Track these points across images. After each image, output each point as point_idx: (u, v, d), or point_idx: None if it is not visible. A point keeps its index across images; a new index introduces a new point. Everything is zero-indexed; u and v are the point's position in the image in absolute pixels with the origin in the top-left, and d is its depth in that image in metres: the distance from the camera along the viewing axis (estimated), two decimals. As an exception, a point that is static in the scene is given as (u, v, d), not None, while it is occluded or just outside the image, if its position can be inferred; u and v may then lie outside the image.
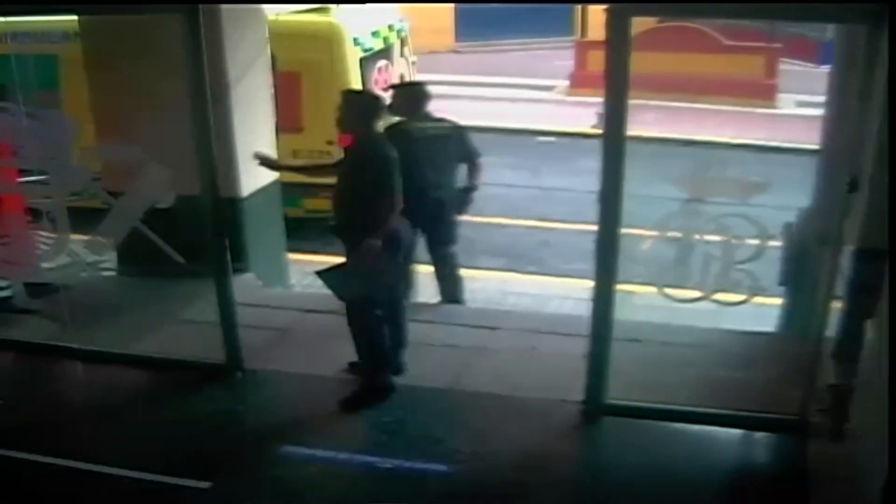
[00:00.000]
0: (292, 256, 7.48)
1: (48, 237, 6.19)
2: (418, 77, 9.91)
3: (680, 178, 5.04)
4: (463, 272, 6.69)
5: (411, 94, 6.20)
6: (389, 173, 4.96)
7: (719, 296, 5.03)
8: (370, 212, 4.91)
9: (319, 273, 5.20)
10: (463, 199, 6.30)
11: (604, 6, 4.44)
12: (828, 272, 4.53)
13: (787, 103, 14.04)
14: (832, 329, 4.44)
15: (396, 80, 9.18)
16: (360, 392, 5.29)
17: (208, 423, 5.17)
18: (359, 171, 5.01)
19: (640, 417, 5.06)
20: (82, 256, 6.32)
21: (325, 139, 8.12)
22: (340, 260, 5.19)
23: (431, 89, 6.28)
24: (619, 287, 4.83)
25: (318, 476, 4.72)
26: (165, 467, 4.71)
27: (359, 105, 5.16)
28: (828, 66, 6.54)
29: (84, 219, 6.16)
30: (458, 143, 6.20)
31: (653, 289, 5.13)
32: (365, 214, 4.92)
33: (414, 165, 5.80)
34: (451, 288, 6.58)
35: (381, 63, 8.92)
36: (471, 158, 6.26)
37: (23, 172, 6.15)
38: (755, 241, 4.95)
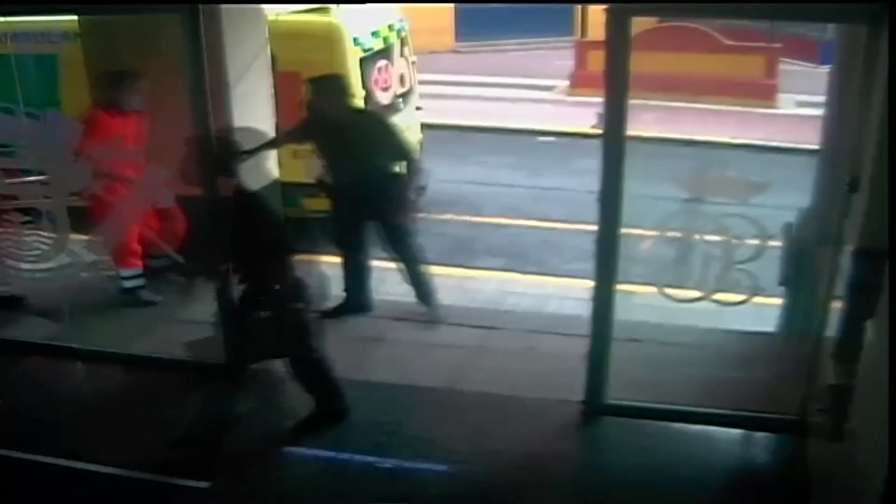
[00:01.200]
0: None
1: (48, 237, 6.20)
2: (418, 77, 9.91)
3: (680, 178, 5.04)
4: (431, 270, 6.52)
5: (327, 88, 6.12)
6: (271, 228, 4.58)
7: (719, 296, 5.03)
8: (261, 270, 4.56)
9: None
10: (402, 194, 6.16)
11: (604, 6, 4.44)
12: (828, 272, 4.52)
13: (787, 103, 14.02)
14: (832, 329, 4.44)
15: (396, 80, 9.19)
16: (314, 418, 5.08)
17: (208, 423, 5.17)
18: (240, 227, 4.56)
19: (640, 417, 5.06)
20: (82, 256, 6.33)
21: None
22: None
23: (347, 82, 6.32)
24: (619, 287, 4.83)
25: (318, 476, 4.72)
26: (166, 467, 4.71)
27: (210, 152, 4.63)
28: (828, 66, 6.53)
29: (84, 219, 6.17)
30: (384, 137, 6.09)
31: (653, 289, 5.12)
32: (257, 273, 4.59)
33: (334, 158, 6.08)
34: (422, 289, 6.41)
35: (381, 63, 8.92)
36: (405, 157, 6.18)
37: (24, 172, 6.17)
38: (755, 241, 4.95)
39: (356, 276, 6.41)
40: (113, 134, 6.07)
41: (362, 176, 5.99)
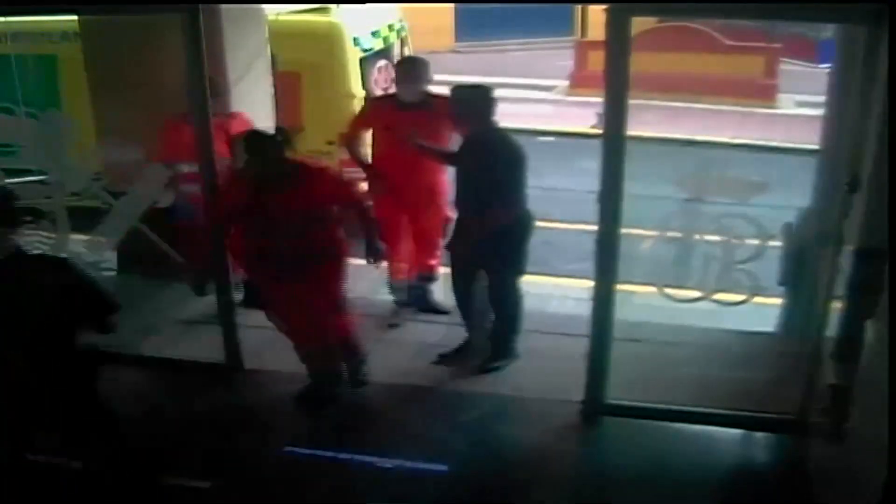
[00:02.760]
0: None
1: (48, 237, 6.20)
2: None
3: (680, 178, 5.04)
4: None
5: (473, 98, 5.32)
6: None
7: (719, 296, 5.03)
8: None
9: None
10: (516, 237, 5.33)
11: (604, 6, 4.44)
12: (828, 272, 4.53)
13: (787, 103, 14.03)
14: (832, 329, 4.44)
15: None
16: None
17: (208, 423, 5.17)
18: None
19: (640, 417, 5.06)
20: (83, 257, 6.32)
21: (325, 139, 8.13)
22: None
23: (494, 93, 5.31)
24: (619, 287, 4.83)
25: (318, 476, 4.72)
26: (166, 467, 4.71)
27: None
28: (828, 66, 6.53)
29: (84, 219, 6.16)
30: (514, 167, 5.20)
31: (653, 289, 5.12)
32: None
33: (462, 178, 5.42)
34: (499, 349, 5.62)
35: (381, 63, 8.92)
36: (515, 195, 5.24)
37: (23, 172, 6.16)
38: (755, 241, 4.95)
39: (476, 315, 5.65)
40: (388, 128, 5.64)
41: (483, 205, 5.18)
